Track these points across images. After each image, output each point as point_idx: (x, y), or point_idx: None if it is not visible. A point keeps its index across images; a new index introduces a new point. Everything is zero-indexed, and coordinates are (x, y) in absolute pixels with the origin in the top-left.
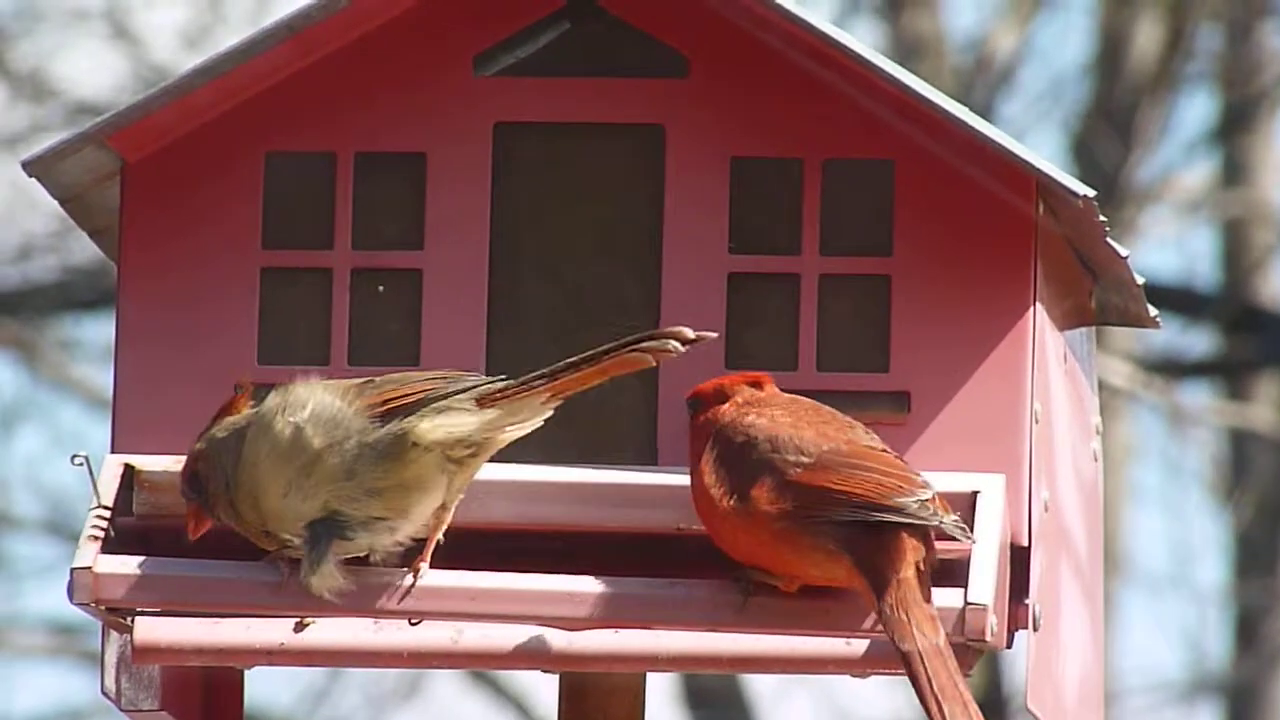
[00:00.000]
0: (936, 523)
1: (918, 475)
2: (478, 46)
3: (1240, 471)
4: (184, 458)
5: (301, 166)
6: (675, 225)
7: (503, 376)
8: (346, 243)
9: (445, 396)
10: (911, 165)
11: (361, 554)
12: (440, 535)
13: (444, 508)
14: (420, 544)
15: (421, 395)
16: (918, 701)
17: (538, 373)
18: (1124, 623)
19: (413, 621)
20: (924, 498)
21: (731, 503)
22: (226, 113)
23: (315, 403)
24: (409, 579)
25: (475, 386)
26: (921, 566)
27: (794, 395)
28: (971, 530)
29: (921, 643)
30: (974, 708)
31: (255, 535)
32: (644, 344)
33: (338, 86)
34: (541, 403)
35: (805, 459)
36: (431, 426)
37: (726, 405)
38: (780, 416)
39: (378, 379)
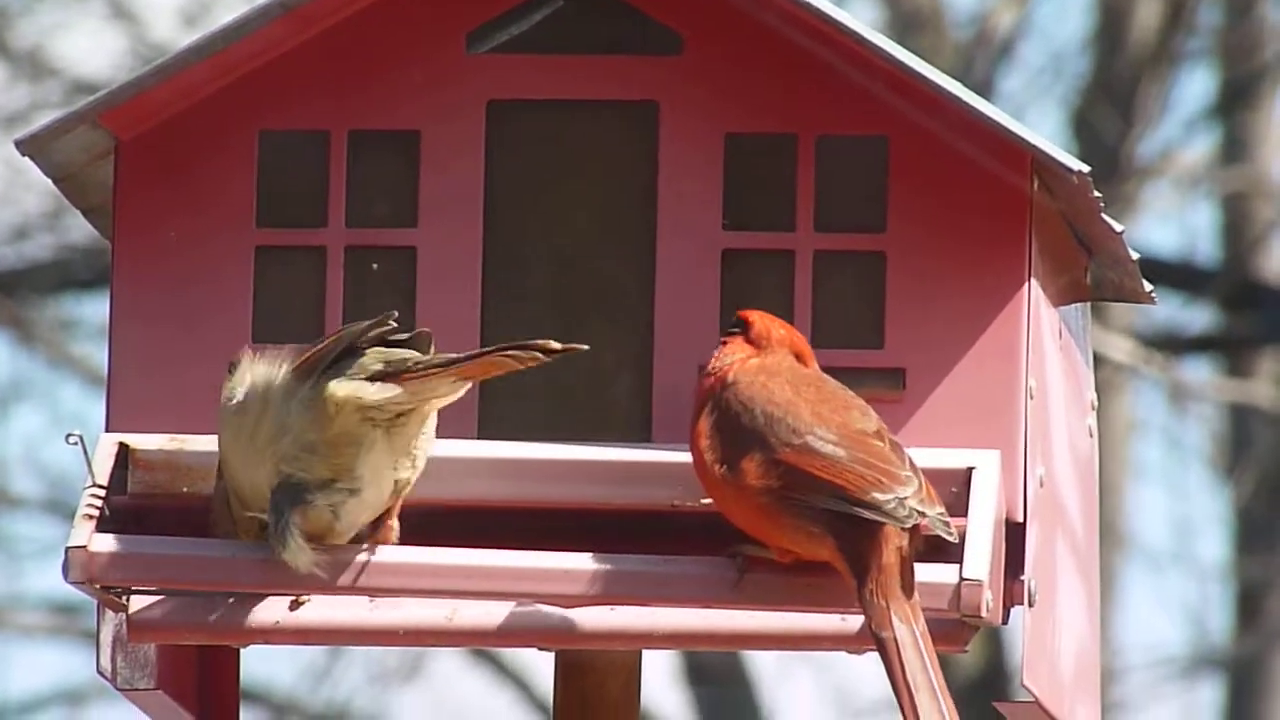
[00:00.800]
0: (909, 524)
1: (903, 468)
2: (471, 23)
3: (1241, 447)
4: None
5: (295, 144)
6: (669, 202)
7: (398, 332)
8: (340, 221)
9: (351, 348)
10: (906, 141)
11: (330, 526)
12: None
13: (399, 480)
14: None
15: (329, 346)
16: (890, 689)
17: (441, 357)
18: (1125, 599)
19: (371, 600)
20: (902, 495)
21: (722, 470)
22: (220, 91)
23: (252, 375)
24: (366, 550)
25: (372, 333)
26: (904, 553)
27: (802, 368)
28: (965, 509)
29: (899, 631)
30: (947, 699)
31: (250, 527)
32: (515, 351)
33: (331, 64)
34: (450, 383)
35: (795, 440)
36: (340, 385)
37: (735, 365)
38: (781, 390)
39: (311, 343)
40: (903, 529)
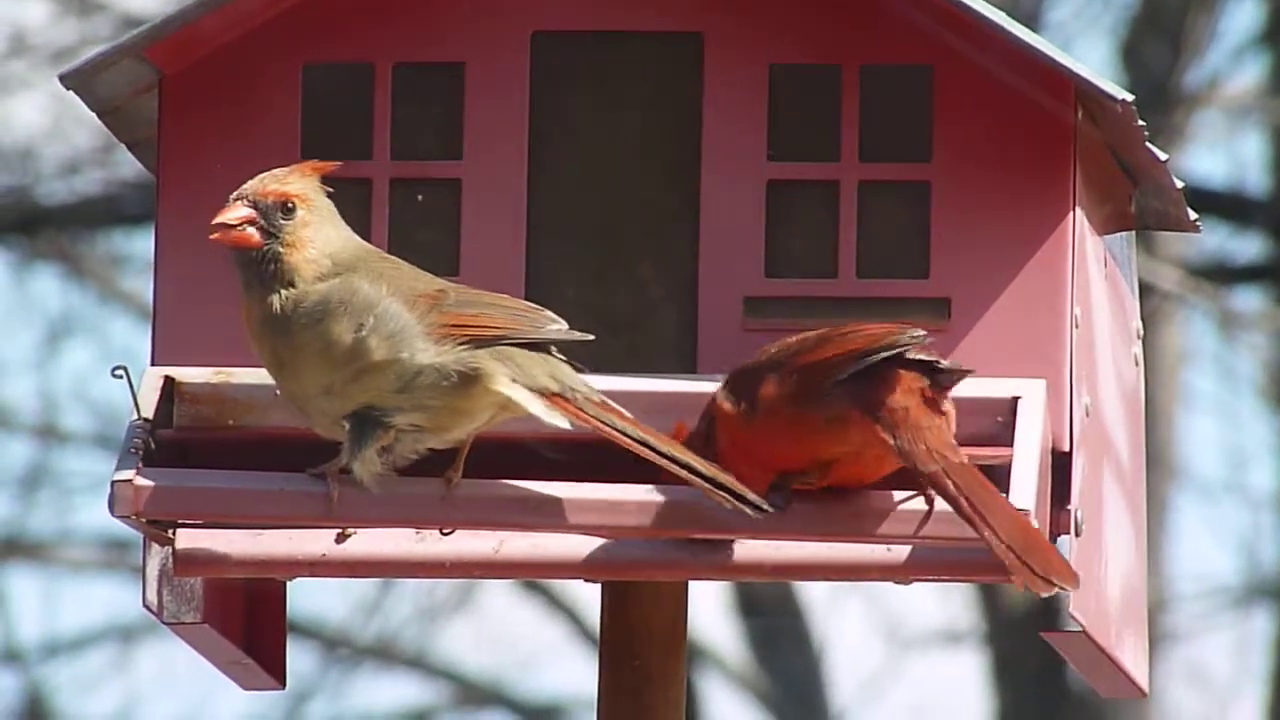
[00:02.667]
0: (927, 341)
1: (906, 322)
2: None
3: None
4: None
5: (340, 77)
6: (714, 133)
7: (580, 340)
8: (385, 153)
9: (523, 345)
10: (950, 71)
11: (390, 448)
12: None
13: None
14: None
15: (499, 334)
16: (959, 519)
17: (621, 421)
18: (1177, 529)
19: (445, 531)
20: (916, 333)
21: (746, 409)
22: (263, 24)
23: (381, 310)
24: (443, 488)
25: (553, 343)
26: (927, 394)
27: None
28: (1011, 438)
29: (942, 462)
30: (1011, 507)
31: (257, 341)
32: (718, 490)
33: None
34: (593, 429)
35: (803, 345)
36: (506, 383)
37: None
38: (783, 339)
39: (453, 294)
40: (918, 375)
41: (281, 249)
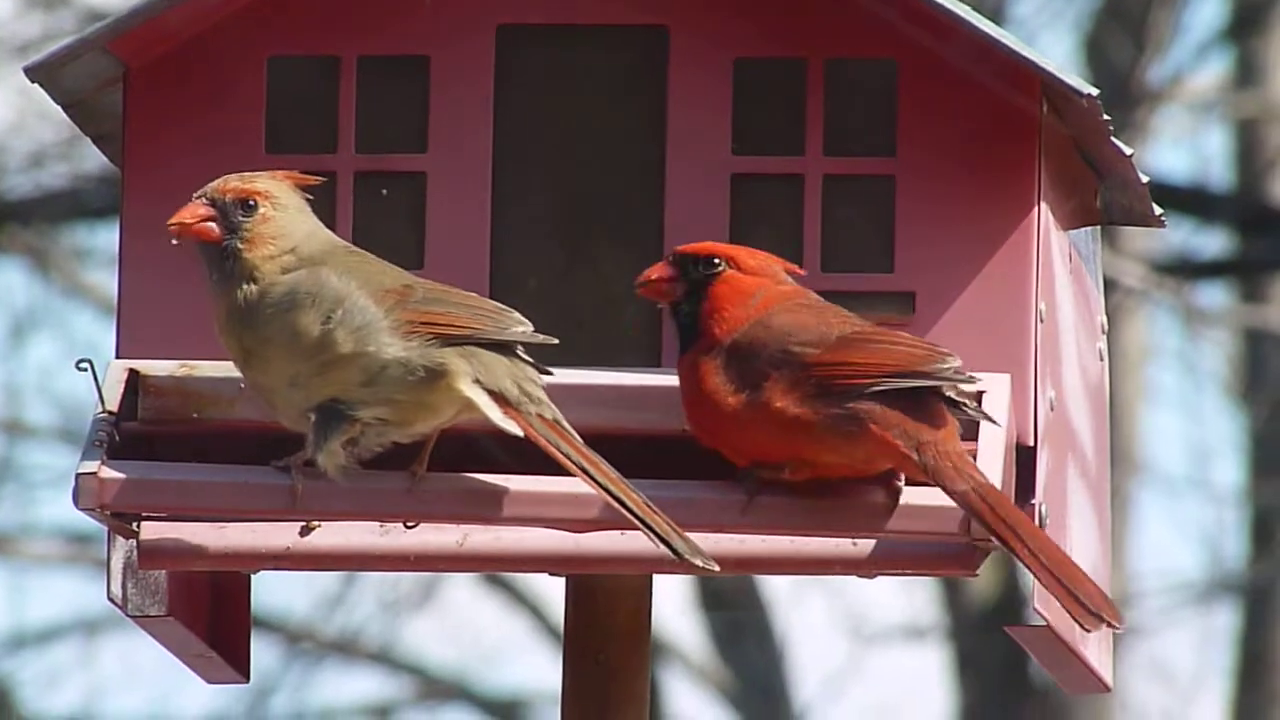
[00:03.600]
0: (970, 387)
1: (942, 348)
2: None
3: (1256, 372)
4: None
5: (304, 70)
6: (678, 126)
7: (543, 336)
8: (350, 146)
9: (489, 345)
10: (914, 65)
11: (355, 441)
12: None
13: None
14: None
15: (465, 332)
16: (990, 536)
17: (567, 445)
18: (1141, 524)
19: (408, 525)
20: (956, 364)
21: (740, 398)
22: (228, 17)
23: (349, 304)
24: (408, 481)
25: (519, 344)
26: (949, 418)
27: (798, 294)
28: (976, 433)
29: (973, 481)
30: (1035, 526)
31: (224, 337)
32: (649, 531)
33: None
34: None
35: (820, 348)
36: (469, 384)
37: (737, 314)
38: (790, 313)
39: (420, 290)
40: (945, 408)
41: (240, 245)
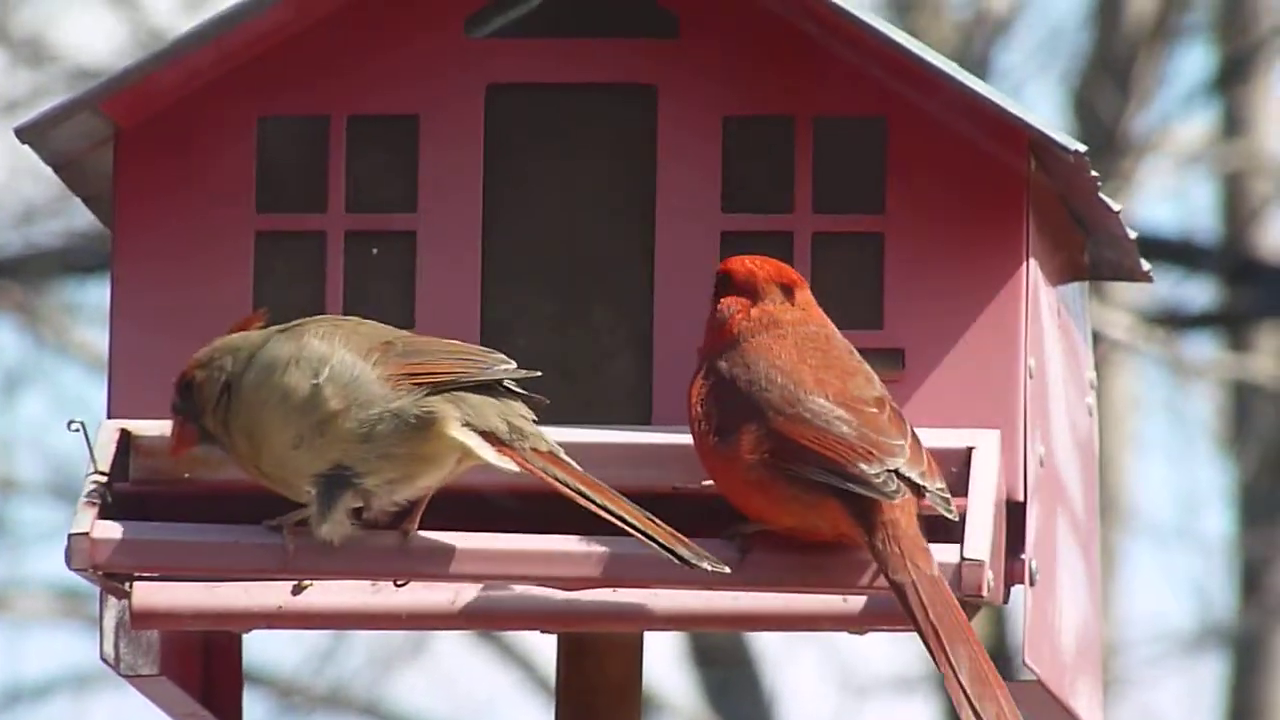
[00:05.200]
0: (895, 499)
1: (897, 438)
2: (469, 8)
3: (1243, 422)
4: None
5: (294, 130)
6: (668, 184)
7: (527, 379)
8: (340, 205)
9: (475, 387)
10: (903, 122)
11: (359, 505)
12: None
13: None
14: (410, 505)
15: (451, 377)
16: (915, 633)
17: (564, 473)
18: (1129, 573)
19: (399, 583)
20: (892, 467)
21: (715, 441)
22: (220, 77)
23: (336, 361)
24: (399, 540)
25: (504, 383)
26: (910, 505)
27: (810, 323)
28: (966, 489)
29: (915, 574)
30: (973, 635)
31: (241, 461)
32: (654, 544)
33: (329, 50)
34: (538, 479)
35: (788, 408)
36: (458, 427)
37: (737, 318)
38: (784, 353)
39: (400, 343)
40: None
41: (209, 422)
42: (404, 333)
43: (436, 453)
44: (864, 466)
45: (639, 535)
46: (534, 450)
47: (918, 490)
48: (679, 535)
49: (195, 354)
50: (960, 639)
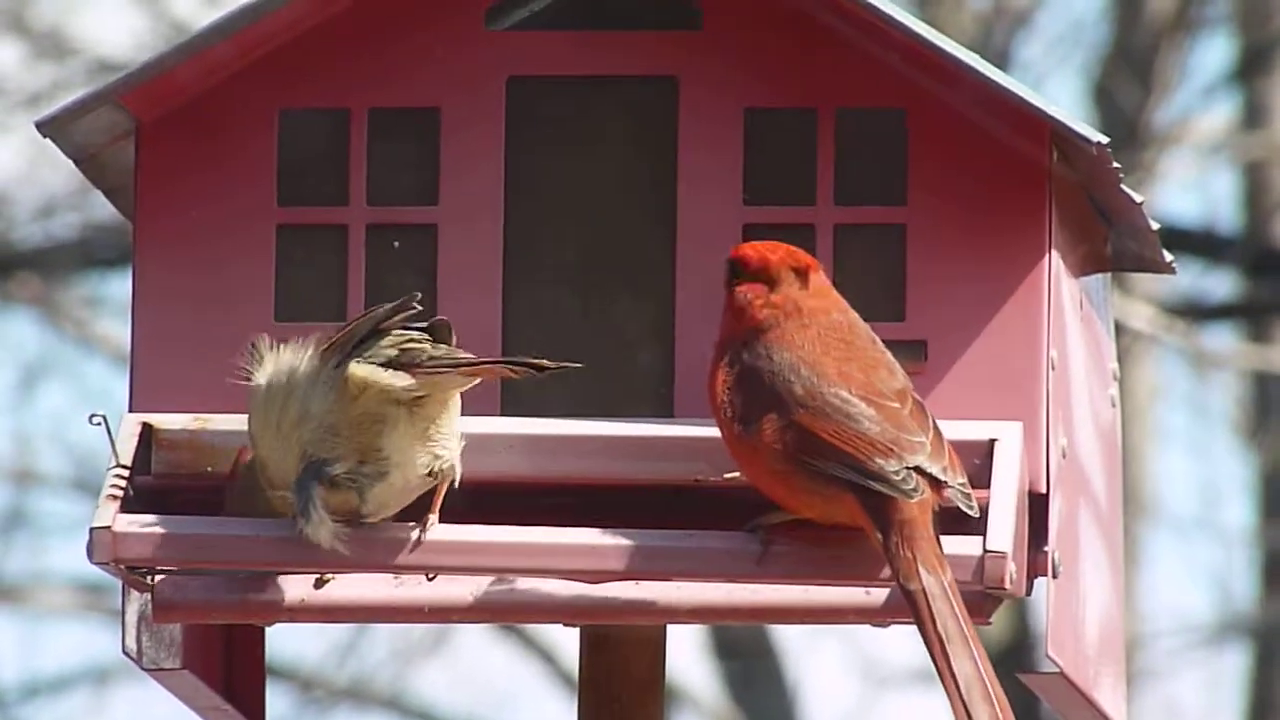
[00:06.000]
0: (914, 497)
1: (917, 434)
2: (490, 0)
3: (1265, 413)
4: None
5: (315, 123)
6: (689, 177)
7: (419, 318)
8: (361, 199)
9: (371, 333)
10: (924, 114)
11: (356, 508)
12: (447, 487)
13: (437, 456)
14: (427, 500)
15: (354, 329)
16: (920, 641)
17: (449, 357)
18: (1151, 565)
19: (429, 576)
20: (911, 464)
21: (739, 429)
22: (240, 71)
23: (276, 361)
24: (418, 533)
25: (395, 317)
26: (927, 505)
27: (832, 311)
28: (988, 481)
29: (927, 582)
30: (979, 648)
31: (275, 506)
32: (513, 364)
33: (350, 43)
34: (458, 379)
35: (811, 401)
36: (359, 367)
37: (758, 305)
38: (807, 344)
39: (323, 332)
40: (924, 486)
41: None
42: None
43: (369, 410)
44: (883, 463)
45: (498, 365)
46: (430, 358)
47: (938, 485)
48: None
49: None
50: (967, 655)
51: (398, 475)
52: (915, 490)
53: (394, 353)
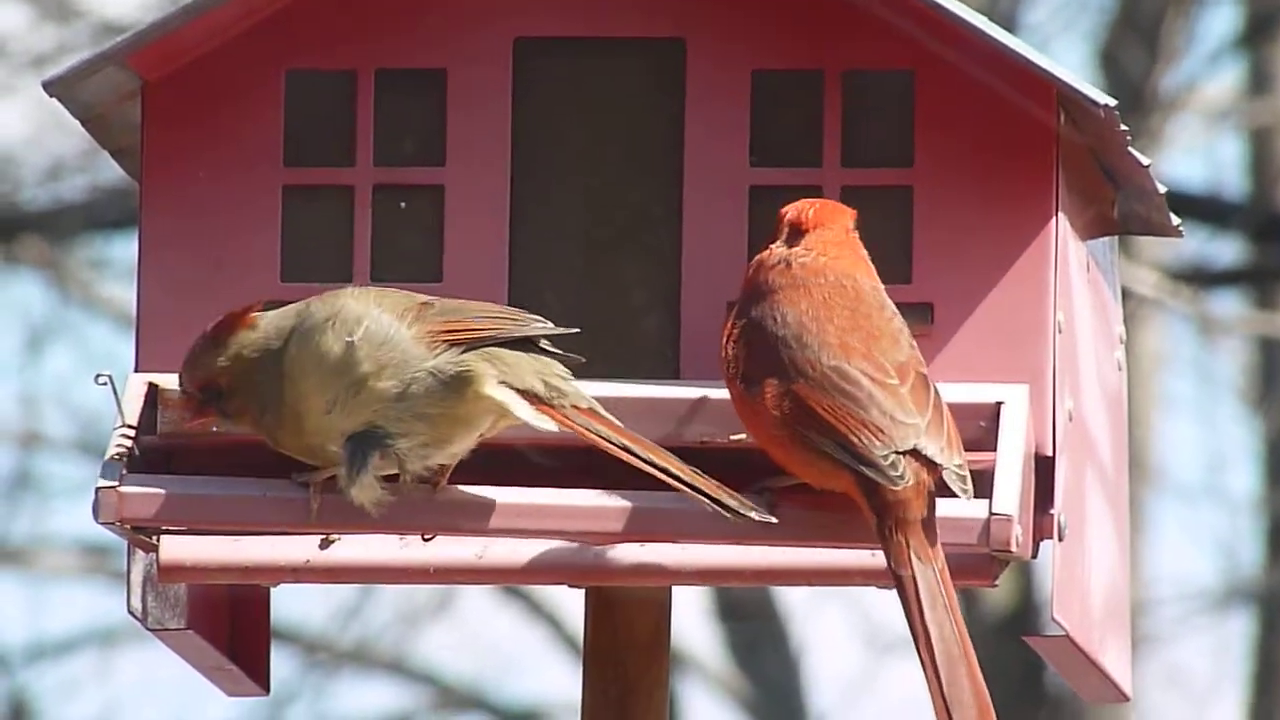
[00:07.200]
0: (898, 485)
1: (914, 415)
2: None
3: (1271, 379)
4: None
5: (322, 84)
6: (696, 139)
7: (565, 347)
8: (368, 159)
9: (510, 345)
10: (932, 76)
11: (392, 471)
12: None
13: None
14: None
15: (488, 334)
16: (905, 626)
17: (606, 428)
18: (1156, 532)
19: (426, 537)
20: (904, 449)
21: (742, 387)
22: (247, 31)
23: (371, 321)
24: (427, 494)
25: (539, 342)
26: (923, 489)
27: (843, 275)
28: (994, 443)
29: (918, 569)
30: (964, 639)
31: (298, 453)
32: (699, 495)
33: (357, 4)
34: (578, 435)
35: (811, 370)
36: (498, 390)
37: (775, 263)
38: (812, 308)
39: (437, 303)
40: (919, 466)
41: (231, 423)
42: (439, 298)
43: (472, 413)
44: (872, 447)
45: (684, 488)
46: (575, 408)
47: (933, 466)
48: (724, 486)
49: (210, 359)
50: (947, 640)
51: (440, 457)
52: (901, 478)
53: (537, 385)
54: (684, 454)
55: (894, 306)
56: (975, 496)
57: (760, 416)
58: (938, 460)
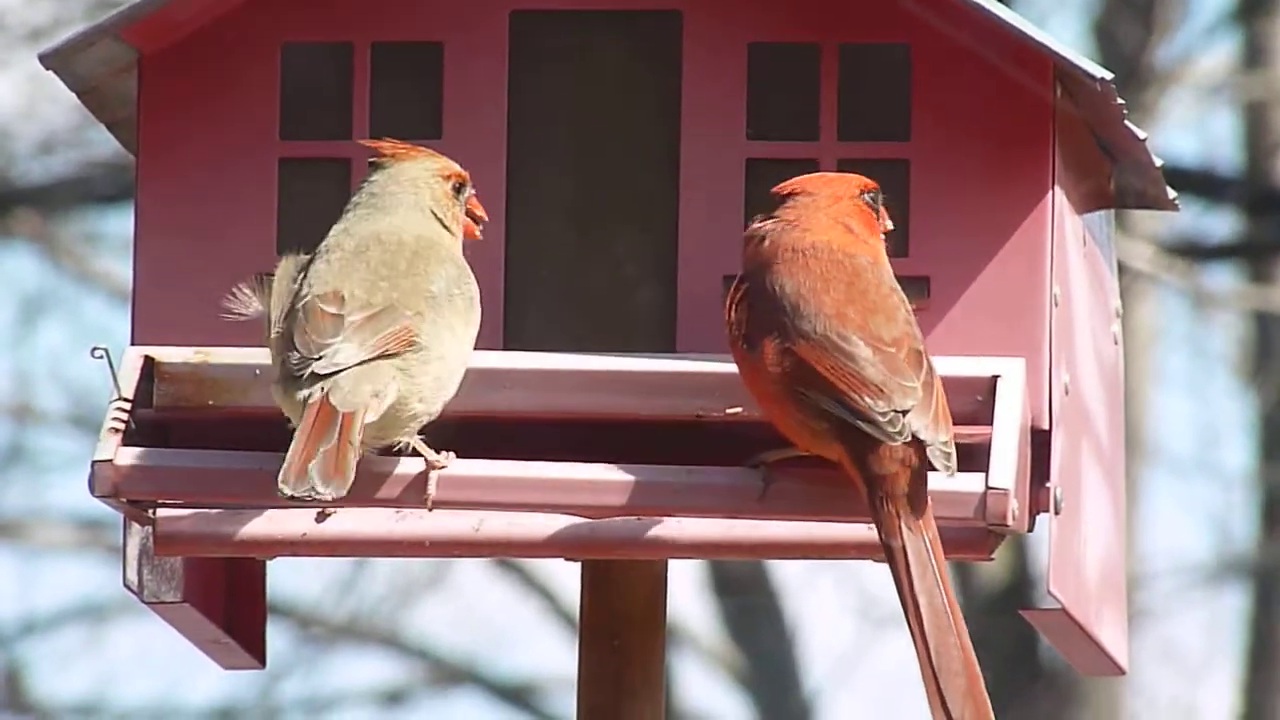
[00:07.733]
0: (898, 441)
1: (910, 380)
2: None
3: (1265, 353)
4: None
5: (318, 57)
6: (693, 112)
7: None
8: (364, 132)
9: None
10: (928, 49)
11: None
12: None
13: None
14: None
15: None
16: (895, 597)
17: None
18: (1150, 506)
19: (429, 508)
20: (901, 408)
21: (744, 346)
22: (243, 4)
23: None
24: (424, 467)
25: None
26: (913, 461)
27: (842, 250)
28: (990, 417)
29: (908, 540)
30: (954, 610)
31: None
32: None
33: None
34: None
35: (812, 334)
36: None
37: (779, 228)
38: (810, 280)
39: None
40: (906, 443)
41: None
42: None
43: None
44: (871, 403)
45: None
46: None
47: (920, 442)
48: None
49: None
50: (938, 612)
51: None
52: (900, 433)
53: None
54: (679, 427)
55: (895, 282)
56: (972, 470)
57: (761, 375)
58: (922, 436)
